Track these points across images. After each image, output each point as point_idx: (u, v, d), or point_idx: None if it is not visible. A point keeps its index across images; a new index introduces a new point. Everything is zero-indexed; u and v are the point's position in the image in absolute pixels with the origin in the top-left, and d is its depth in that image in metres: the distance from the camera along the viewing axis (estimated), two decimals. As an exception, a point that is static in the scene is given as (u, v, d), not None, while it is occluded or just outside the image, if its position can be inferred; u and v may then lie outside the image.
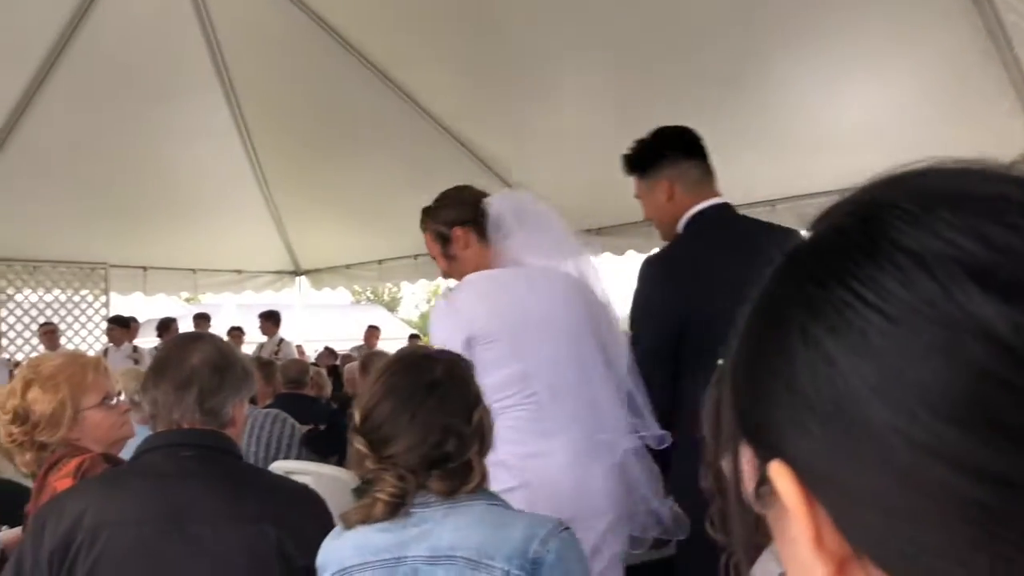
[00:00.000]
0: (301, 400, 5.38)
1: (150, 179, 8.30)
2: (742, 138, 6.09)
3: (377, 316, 23.73)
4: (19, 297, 9.82)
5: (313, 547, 1.69)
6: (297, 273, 11.24)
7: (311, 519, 1.75)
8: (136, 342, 9.95)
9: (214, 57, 7.25)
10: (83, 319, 10.14)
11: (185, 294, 11.81)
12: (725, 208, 2.55)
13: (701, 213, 2.50)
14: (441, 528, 1.51)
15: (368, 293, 34.74)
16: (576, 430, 2.31)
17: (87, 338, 10.13)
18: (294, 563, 1.66)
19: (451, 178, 8.00)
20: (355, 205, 8.73)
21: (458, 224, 2.49)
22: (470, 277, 2.46)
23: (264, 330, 10.07)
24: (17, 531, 2.43)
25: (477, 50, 6.23)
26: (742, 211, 7.04)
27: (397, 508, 1.53)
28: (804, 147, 5.83)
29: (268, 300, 11.71)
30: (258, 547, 1.65)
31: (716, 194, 2.56)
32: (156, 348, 9.54)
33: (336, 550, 1.61)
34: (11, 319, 9.69)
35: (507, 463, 2.21)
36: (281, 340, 10.06)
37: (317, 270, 11.13)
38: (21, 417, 2.18)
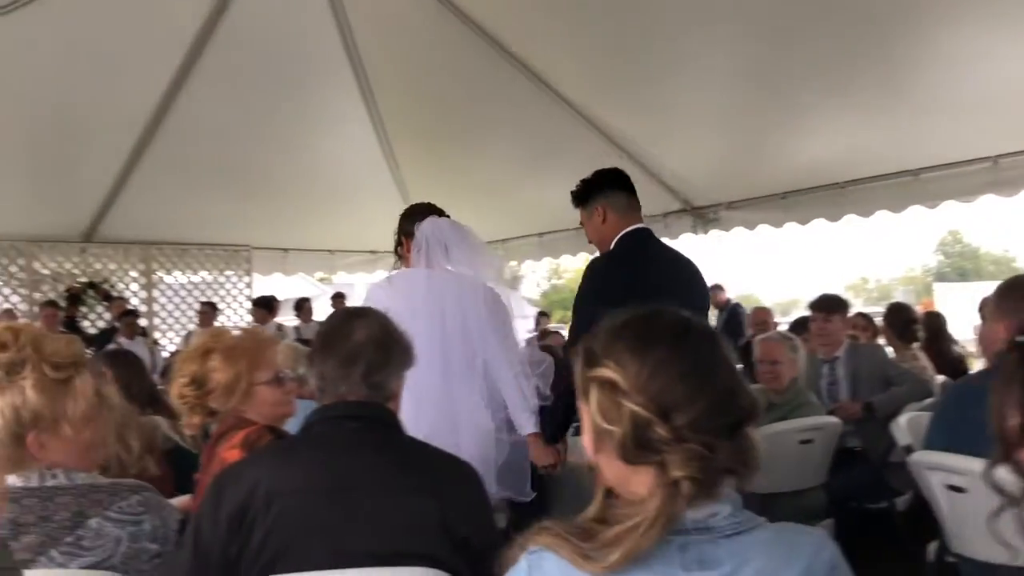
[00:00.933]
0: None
1: (290, 165, 8.64)
2: (884, 107, 5.80)
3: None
4: (168, 279, 10.41)
5: (471, 519, 1.73)
6: (427, 254, 11.45)
7: (470, 492, 1.79)
8: (277, 320, 10.38)
9: (347, 46, 7.42)
10: (228, 299, 10.70)
11: (320, 274, 12.24)
12: (647, 231, 3.22)
13: (630, 233, 3.17)
14: (745, 571, 1.13)
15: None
16: (436, 403, 2.96)
17: (232, 316, 10.68)
18: (455, 533, 1.69)
19: (580, 157, 7.95)
20: (482, 187, 8.81)
21: (404, 234, 3.38)
22: (395, 271, 3.41)
23: (400, 308, 10.30)
24: (186, 498, 2.57)
25: (606, 29, 6.14)
26: (877, 183, 6.74)
27: (702, 495, 1.14)
28: (954, 112, 5.48)
29: (399, 280, 11.96)
30: (421, 517, 1.69)
31: (640, 221, 3.23)
32: (296, 327, 9.94)
33: None
34: (162, 299, 10.28)
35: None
36: (414, 318, 10.25)
37: (446, 250, 11.29)
38: (198, 382, 2.33)
